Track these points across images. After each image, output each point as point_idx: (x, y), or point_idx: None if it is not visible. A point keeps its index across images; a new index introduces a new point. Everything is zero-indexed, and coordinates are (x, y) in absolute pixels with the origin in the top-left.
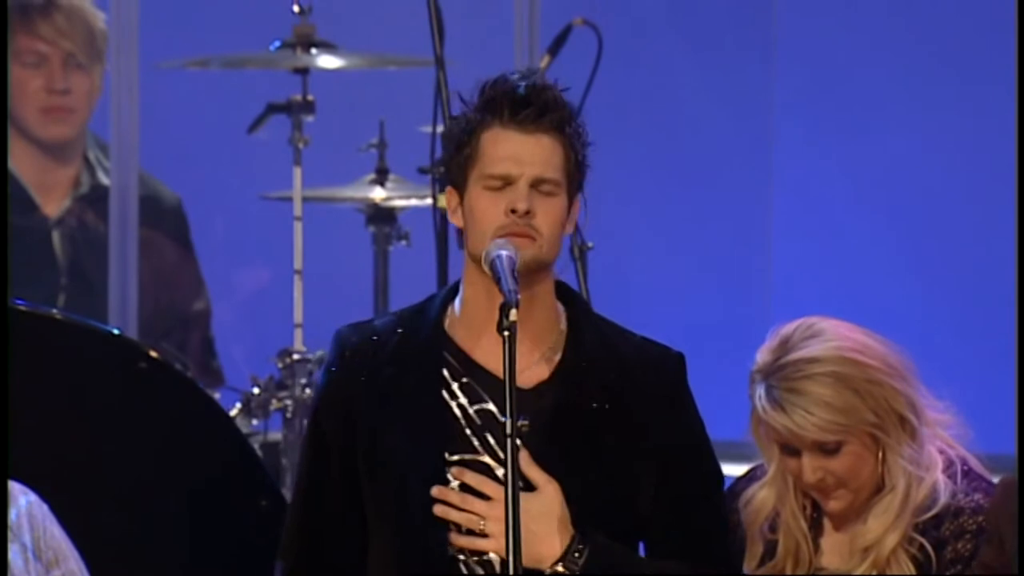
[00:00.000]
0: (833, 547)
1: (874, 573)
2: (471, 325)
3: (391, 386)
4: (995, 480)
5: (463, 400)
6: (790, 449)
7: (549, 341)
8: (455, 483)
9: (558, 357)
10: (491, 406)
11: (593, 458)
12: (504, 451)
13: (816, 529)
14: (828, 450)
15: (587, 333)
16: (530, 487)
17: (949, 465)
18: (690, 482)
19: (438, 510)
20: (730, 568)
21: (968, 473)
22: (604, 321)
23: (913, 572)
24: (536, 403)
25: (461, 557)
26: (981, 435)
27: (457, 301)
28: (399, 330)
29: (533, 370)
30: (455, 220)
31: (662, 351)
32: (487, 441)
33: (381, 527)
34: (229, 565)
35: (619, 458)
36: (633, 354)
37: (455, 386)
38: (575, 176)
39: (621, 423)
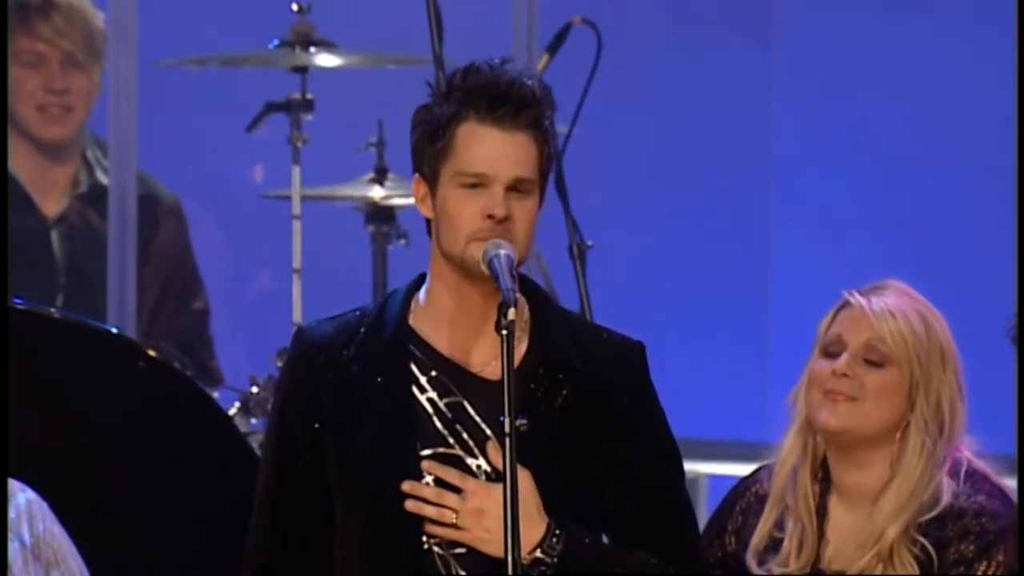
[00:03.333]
0: (838, 536)
1: (878, 571)
2: (438, 318)
3: (360, 383)
4: (1001, 481)
5: (432, 394)
6: (834, 353)
7: (514, 333)
8: (429, 478)
9: (524, 348)
10: (461, 399)
11: (564, 446)
12: (503, 448)
13: (822, 517)
14: (872, 360)
15: (551, 324)
16: (501, 477)
17: (953, 466)
18: (657, 473)
19: (410, 505)
20: (697, 556)
21: (972, 475)
22: (567, 312)
23: (916, 571)
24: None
25: (437, 550)
26: (981, 436)
27: (422, 293)
28: (362, 327)
29: (500, 362)
30: (424, 210)
31: (626, 342)
32: (459, 434)
33: (352, 524)
34: (228, 564)
35: (588, 447)
36: (598, 345)
37: (424, 380)
38: (547, 171)
39: (589, 413)
